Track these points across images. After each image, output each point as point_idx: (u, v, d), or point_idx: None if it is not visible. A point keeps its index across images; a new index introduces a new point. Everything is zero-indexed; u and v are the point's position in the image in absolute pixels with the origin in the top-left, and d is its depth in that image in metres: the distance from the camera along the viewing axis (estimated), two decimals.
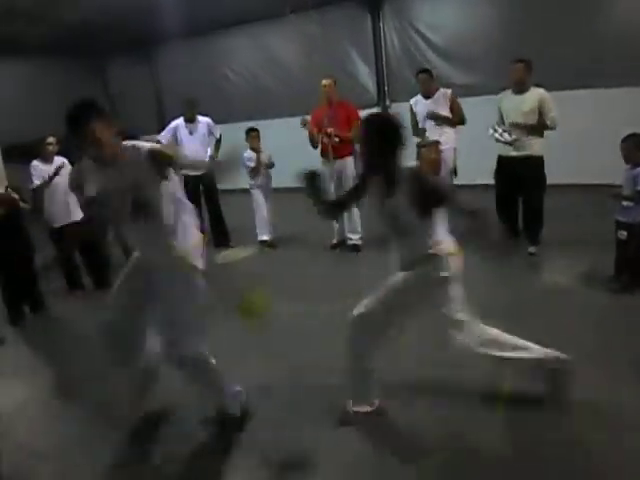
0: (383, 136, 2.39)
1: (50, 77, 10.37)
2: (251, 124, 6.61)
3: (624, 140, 3.86)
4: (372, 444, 2.58)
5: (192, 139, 6.32)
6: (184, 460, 2.64)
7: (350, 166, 5.69)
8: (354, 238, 5.80)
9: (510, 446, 2.47)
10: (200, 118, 6.40)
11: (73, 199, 5.24)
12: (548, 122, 4.77)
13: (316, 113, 5.71)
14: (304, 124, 5.66)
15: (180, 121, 6.35)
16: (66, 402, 3.37)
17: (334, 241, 5.96)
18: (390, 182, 2.43)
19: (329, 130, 5.48)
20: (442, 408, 2.78)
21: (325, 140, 5.53)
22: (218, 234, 6.58)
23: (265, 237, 6.32)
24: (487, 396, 2.81)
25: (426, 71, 5.72)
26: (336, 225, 5.91)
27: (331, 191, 5.69)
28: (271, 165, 6.21)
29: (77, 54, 10.48)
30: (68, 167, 5.29)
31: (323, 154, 5.69)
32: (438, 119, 5.48)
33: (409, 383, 3.03)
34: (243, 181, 6.16)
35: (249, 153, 6.07)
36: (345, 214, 5.71)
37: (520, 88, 4.87)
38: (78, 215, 5.28)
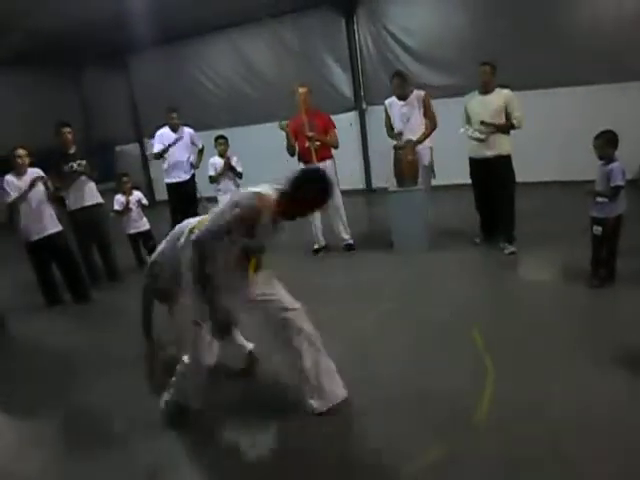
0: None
1: (25, 87, 10.23)
2: (226, 131, 6.62)
3: (597, 137, 3.92)
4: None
5: (178, 147, 6.41)
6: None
7: (330, 168, 5.72)
8: (346, 238, 5.92)
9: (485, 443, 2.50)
10: (184, 128, 6.51)
11: (49, 211, 5.19)
12: (514, 121, 4.90)
13: (294, 122, 5.71)
14: (282, 127, 5.64)
15: (166, 129, 6.44)
16: (42, 425, 3.25)
17: (316, 246, 5.98)
18: None
19: (310, 134, 5.50)
20: None
21: (307, 144, 5.55)
22: None
23: None
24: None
25: (400, 74, 5.76)
26: (315, 231, 5.92)
27: None
28: (239, 174, 6.18)
29: (52, 63, 10.33)
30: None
31: (303, 159, 5.71)
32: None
33: None
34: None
35: (215, 159, 6.08)
36: (333, 218, 5.80)
37: (486, 89, 5.02)
38: (54, 227, 5.19)
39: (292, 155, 5.77)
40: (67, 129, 5.49)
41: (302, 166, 5.67)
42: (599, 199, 3.94)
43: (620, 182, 3.79)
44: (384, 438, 2.61)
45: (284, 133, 5.73)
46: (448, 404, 2.80)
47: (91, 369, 3.83)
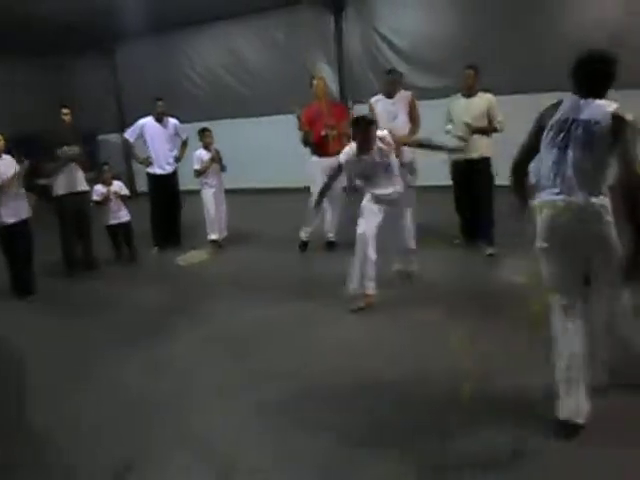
0: None
1: (9, 75, 10.02)
2: (211, 124, 6.57)
3: None
4: None
5: (160, 138, 6.31)
6: None
7: None
8: (330, 235, 5.94)
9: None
10: (169, 119, 6.40)
11: (22, 197, 5.08)
12: (497, 125, 4.99)
13: (309, 109, 5.67)
14: (298, 115, 5.60)
15: (149, 119, 6.30)
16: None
17: (303, 236, 5.93)
18: None
19: (331, 122, 5.52)
20: None
21: (324, 132, 5.52)
22: (171, 234, 6.51)
23: (214, 237, 6.25)
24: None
25: (396, 71, 5.78)
26: (314, 221, 5.88)
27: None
28: (223, 167, 6.15)
29: (37, 52, 10.13)
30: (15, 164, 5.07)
31: (318, 150, 5.67)
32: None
33: None
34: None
35: (201, 152, 6.05)
36: (328, 214, 5.81)
37: (469, 92, 5.12)
38: (28, 213, 5.10)
39: (305, 145, 5.72)
40: (65, 110, 5.45)
41: (315, 158, 5.70)
42: None
43: None
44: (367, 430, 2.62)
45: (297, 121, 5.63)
46: (429, 402, 2.83)
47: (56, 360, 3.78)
